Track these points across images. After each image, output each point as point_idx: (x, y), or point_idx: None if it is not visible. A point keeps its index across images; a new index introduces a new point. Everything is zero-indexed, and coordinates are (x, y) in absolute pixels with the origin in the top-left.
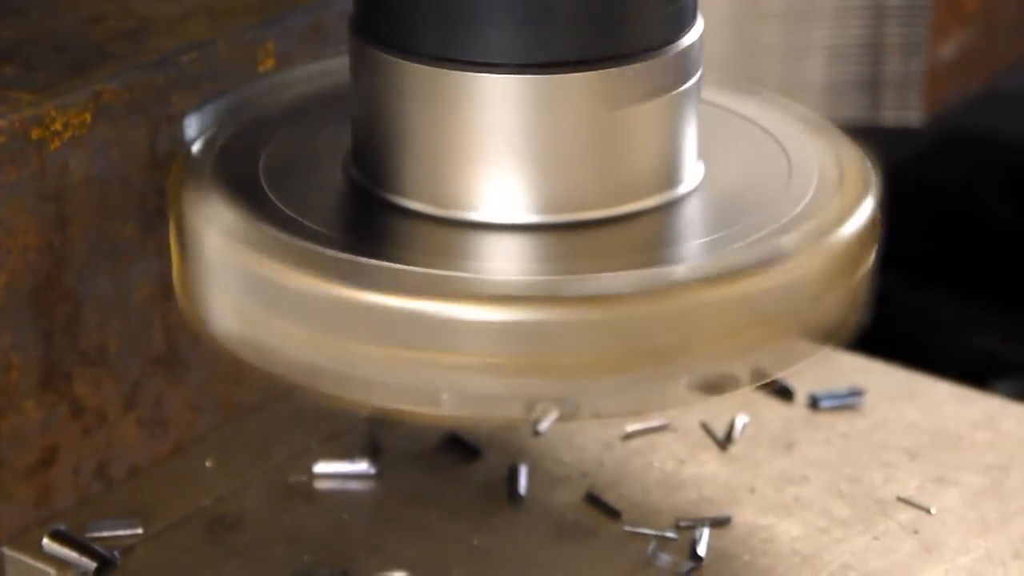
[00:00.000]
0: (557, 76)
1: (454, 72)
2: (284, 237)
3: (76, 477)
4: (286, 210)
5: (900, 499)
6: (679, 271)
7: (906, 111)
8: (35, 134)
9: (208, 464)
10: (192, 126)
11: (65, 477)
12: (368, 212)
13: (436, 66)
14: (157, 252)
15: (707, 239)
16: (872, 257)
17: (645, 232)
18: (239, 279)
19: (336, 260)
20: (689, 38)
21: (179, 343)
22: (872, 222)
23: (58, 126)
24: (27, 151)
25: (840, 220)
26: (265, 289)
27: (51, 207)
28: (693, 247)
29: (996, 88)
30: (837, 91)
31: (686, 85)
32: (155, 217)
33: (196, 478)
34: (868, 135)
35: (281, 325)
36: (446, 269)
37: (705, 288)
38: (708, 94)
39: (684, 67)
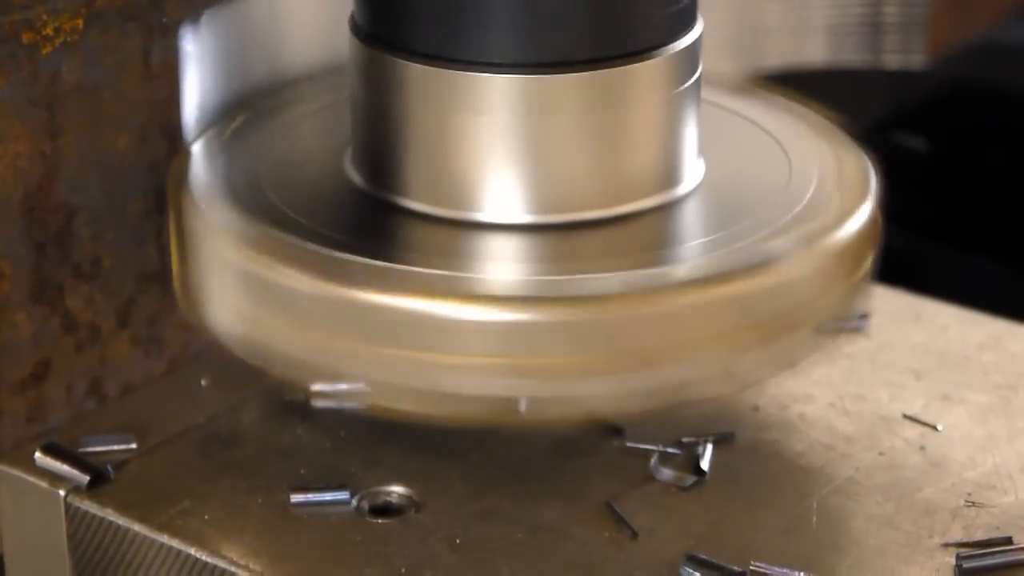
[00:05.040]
0: (556, 76)
1: (454, 72)
2: (284, 237)
3: (69, 393)
4: (286, 210)
5: (906, 416)
6: (676, 272)
7: (909, 54)
8: (26, 38)
9: (203, 383)
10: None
11: (58, 393)
12: (368, 212)
13: (436, 66)
14: (151, 165)
15: (705, 240)
16: (871, 258)
17: (644, 232)
18: (239, 279)
19: (335, 260)
20: (688, 38)
21: None
22: (871, 224)
23: (49, 31)
24: (18, 55)
25: (838, 222)
26: (265, 289)
27: (43, 114)
28: (691, 248)
29: (999, 36)
30: (839, 34)
31: (685, 85)
32: (149, 129)
33: (191, 396)
34: (870, 78)
35: (281, 325)
36: (445, 269)
37: (700, 290)
38: (709, 94)
39: (683, 67)
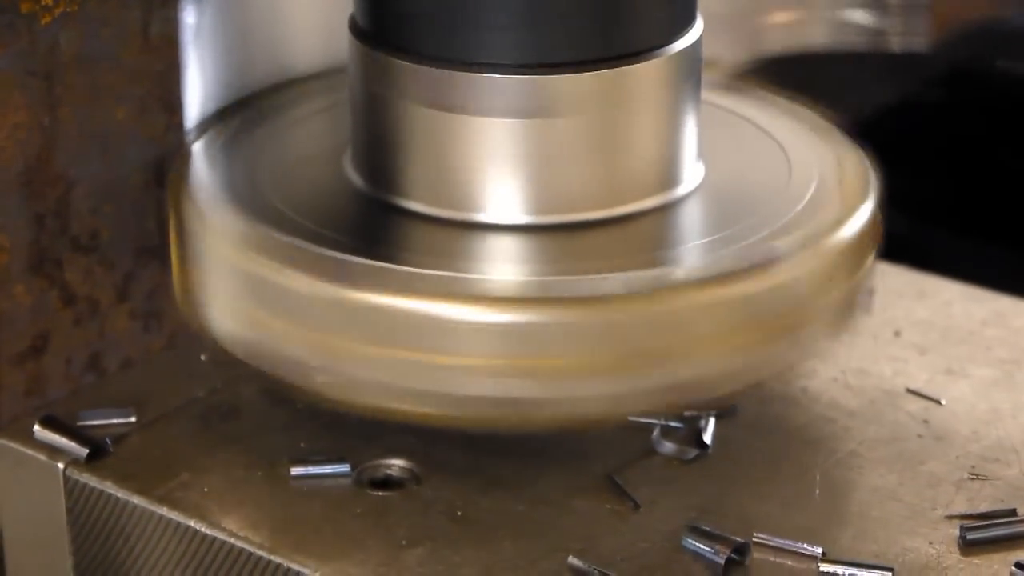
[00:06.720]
0: (556, 76)
1: (454, 72)
2: (284, 238)
3: (68, 367)
4: (286, 211)
5: (909, 391)
6: (677, 273)
7: (912, 36)
8: (25, 8)
9: (203, 357)
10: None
11: (57, 366)
12: (368, 213)
13: (436, 66)
14: (150, 138)
15: (705, 241)
16: (872, 258)
17: (645, 233)
18: (240, 280)
19: (335, 261)
20: (688, 39)
21: None
22: (871, 223)
23: (48, 1)
24: (16, 24)
25: (839, 222)
26: (265, 290)
27: (41, 85)
28: (691, 249)
29: (1003, 19)
30: (842, 16)
31: (685, 86)
32: (148, 101)
33: (190, 370)
34: (873, 61)
35: (281, 326)
36: (446, 270)
37: (701, 290)
38: (709, 95)
39: (683, 68)
